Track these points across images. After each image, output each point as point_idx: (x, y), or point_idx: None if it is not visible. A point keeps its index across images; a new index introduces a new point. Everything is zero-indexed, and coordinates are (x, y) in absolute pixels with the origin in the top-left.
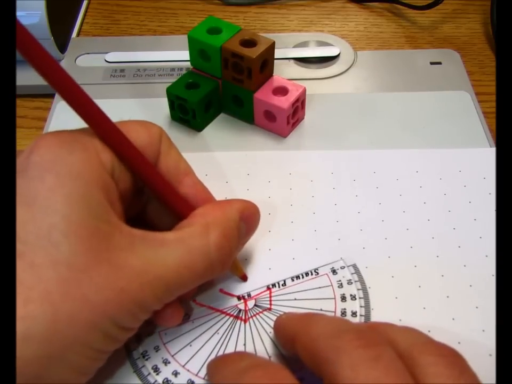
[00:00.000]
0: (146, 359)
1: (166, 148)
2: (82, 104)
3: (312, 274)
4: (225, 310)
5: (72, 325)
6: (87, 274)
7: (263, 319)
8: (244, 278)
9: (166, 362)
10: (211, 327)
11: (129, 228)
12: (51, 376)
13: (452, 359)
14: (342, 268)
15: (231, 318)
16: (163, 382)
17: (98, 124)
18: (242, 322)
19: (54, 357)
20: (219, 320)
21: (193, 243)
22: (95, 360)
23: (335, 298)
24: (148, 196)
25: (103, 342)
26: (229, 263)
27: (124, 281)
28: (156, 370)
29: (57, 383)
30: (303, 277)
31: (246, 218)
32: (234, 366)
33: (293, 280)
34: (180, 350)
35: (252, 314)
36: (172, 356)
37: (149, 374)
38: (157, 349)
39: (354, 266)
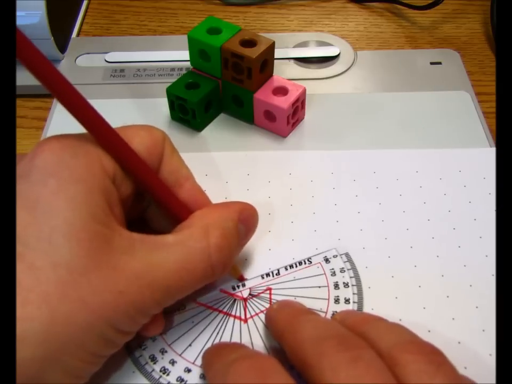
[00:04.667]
0: (144, 349)
1: (168, 153)
2: (81, 110)
3: (305, 263)
4: (223, 310)
5: (69, 327)
6: (86, 277)
7: (263, 317)
8: (241, 279)
9: (163, 351)
10: (210, 325)
11: (129, 232)
12: (47, 379)
13: (431, 356)
14: (335, 256)
15: (231, 318)
16: (160, 370)
17: (98, 131)
18: (242, 322)
19: (51, 359)
20: (219, 320)
21: (193, 245)
22: (91, 364)
23: (328, 286)
24: (148, 200)
25: (99, 345)
26: (230, 264)
27: (123, 284)
28: (153, 359)
29: None
30: (296, 266)
31: (244, 220)
32: (225, 358)
33: (286, 269)
34: (176, 340)
35: (252, 314)
36: (169, 345)
37: (146, 363)
38: (153, 339)
39: (347, 254)
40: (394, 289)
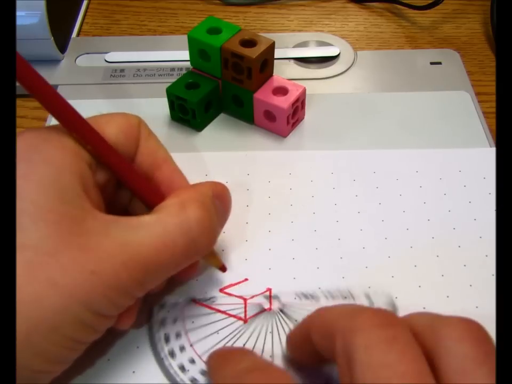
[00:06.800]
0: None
1: (145, 136)
2: (47, 97)
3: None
4: (227, 311)
5: (37, 307)
6: (55, 258)
7: (263, 317)
8: (223, 269)
9: (182, 348)
10: (211, 325)
11: (103, 214)
12: (17, 361)
13: (476, 334)
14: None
15: (231, 318)
16: (179, 367)
17: (66, 118)
18: (242, 322)
19: (18, 341)
20: (219, 320)
21: (171, 220)
22: (68, 349)
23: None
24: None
25: (77, 329)
26: (214, 239)
27: (94, 263)
28: (172, 355)
29: (25, 369)
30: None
31: (219, 196)
32: (235, 366)
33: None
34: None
35: (252, 313)
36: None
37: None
38: (177, 334)
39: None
40: (394, 289)
